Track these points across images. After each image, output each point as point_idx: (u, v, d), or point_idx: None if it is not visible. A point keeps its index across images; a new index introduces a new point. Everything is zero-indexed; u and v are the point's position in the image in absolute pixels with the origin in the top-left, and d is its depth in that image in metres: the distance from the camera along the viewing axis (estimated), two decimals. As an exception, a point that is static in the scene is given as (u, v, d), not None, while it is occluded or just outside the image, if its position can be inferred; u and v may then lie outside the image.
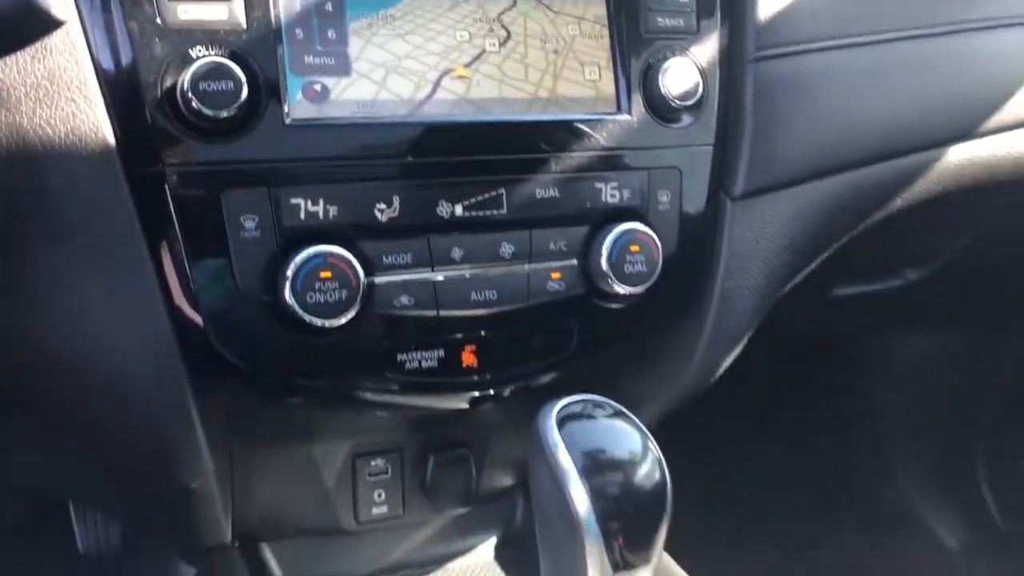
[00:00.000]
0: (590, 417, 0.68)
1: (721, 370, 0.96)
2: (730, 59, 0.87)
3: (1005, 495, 1.74)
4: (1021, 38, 1.02)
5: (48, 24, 0.60)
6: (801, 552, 1.71)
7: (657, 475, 0.64)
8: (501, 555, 1.07)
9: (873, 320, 1.51)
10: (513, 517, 1.08)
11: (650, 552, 0.63)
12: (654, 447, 0.66)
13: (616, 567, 0.61)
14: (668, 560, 0.94)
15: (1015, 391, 1.69)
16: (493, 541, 1.08)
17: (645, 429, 0.68)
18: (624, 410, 0.69)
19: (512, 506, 1.08)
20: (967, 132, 0.98)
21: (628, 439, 0.66)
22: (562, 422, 0.67)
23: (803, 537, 1.75)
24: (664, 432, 0.94)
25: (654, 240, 0.81)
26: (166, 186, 0.68)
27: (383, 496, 0.99)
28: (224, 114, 0.67)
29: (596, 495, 0.63)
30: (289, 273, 0.70)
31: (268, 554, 0.98)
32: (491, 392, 0.84)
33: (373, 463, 0.98)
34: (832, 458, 1.84)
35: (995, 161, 1.01)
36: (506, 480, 1.05)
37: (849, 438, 1.84)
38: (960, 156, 0.99)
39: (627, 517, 0.63)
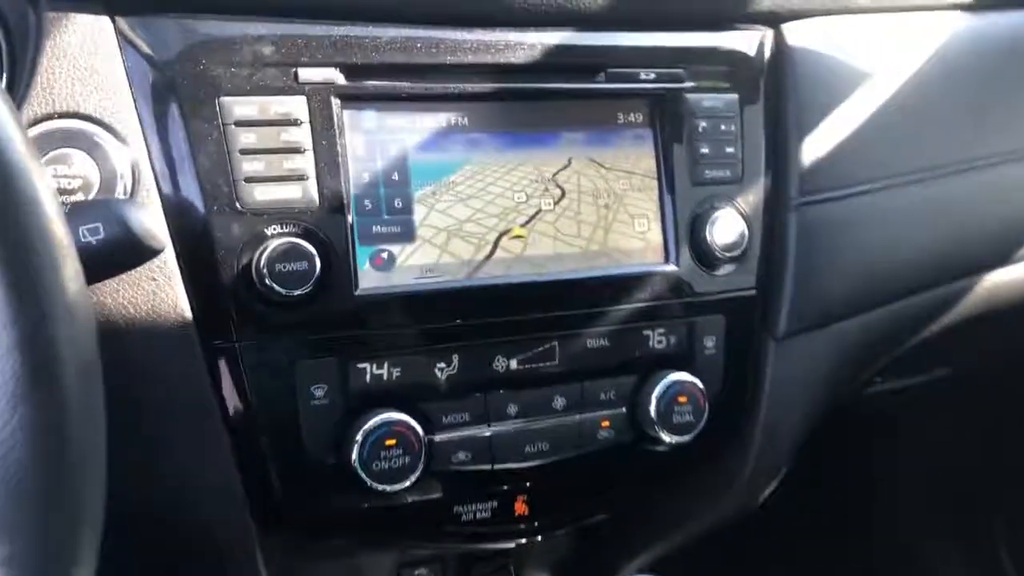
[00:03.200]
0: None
1: (765, 496, 0.95)
2: (774, 206, 0.85)
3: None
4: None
5: (149, 256, 0.59)
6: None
7: None
8: None
9: (898, 407, 1.50)
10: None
11: None
12: None
13: None
14: None
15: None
16: None
17: None
18: None
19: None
20: (1004, 258, 0.97)
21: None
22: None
23: None
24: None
25: (700, 389, 0.81)
26: (240, 358, 0.69)
27: None
28: (297, 292, 0.67)
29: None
30: (357, 441, 0.70)
31: None
32: (539, 537, 0.84)
33: (417, 572, 0.96)
34: (858, 530, 1.81)
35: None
36: (543, 583, 1.04)
37: (871, 515, 1.81)
38: (994, 280, 0.97)
39: None
